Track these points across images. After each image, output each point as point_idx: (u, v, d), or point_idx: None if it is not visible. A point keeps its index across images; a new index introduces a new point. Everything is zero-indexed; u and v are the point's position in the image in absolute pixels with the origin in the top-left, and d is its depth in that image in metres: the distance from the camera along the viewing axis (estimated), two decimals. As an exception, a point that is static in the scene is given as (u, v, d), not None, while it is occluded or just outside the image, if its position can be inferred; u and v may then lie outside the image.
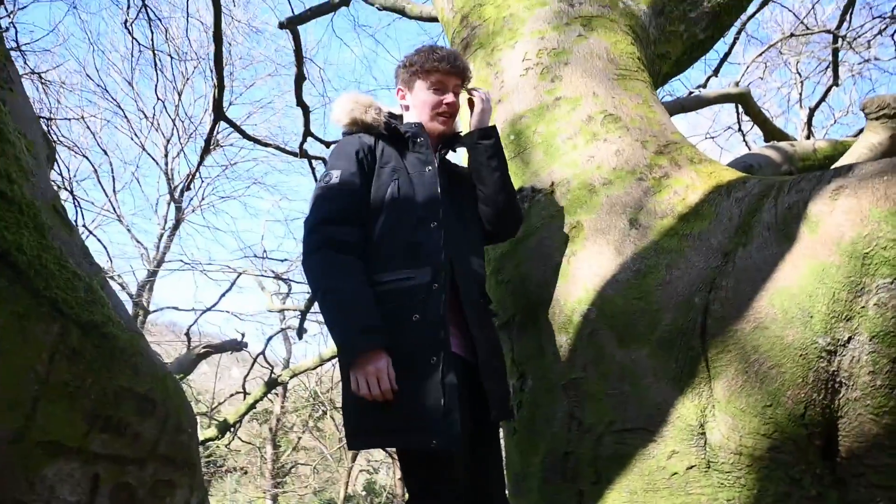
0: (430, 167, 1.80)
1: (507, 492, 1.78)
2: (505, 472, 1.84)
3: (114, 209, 14.48)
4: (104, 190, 14.44)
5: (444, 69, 1.86)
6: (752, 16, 7.32)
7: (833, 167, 1.65)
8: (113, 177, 15.56)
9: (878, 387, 1.36)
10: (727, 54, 7.32)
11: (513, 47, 2.49)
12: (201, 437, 8.48)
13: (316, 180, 7.69)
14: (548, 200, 2.08)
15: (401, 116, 1.94)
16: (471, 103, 1.97)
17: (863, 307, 1.35)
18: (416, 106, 1.89)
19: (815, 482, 1.42)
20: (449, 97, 1.87)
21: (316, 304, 1.84)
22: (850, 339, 1.37)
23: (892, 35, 8.44)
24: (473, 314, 1.71)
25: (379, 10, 5.54)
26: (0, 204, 0.92)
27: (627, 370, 1.68)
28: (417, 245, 1.68)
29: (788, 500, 1.41)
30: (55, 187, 1.53)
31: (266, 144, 7.48)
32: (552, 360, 1.89)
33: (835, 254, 1.38)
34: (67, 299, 0.97)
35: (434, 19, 5.18)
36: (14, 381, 0.88)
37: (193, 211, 15.92)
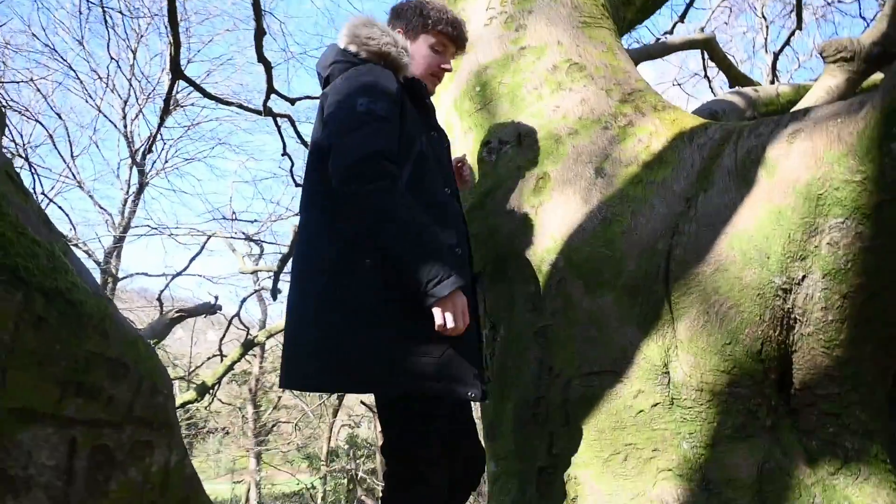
0: (434, 133, 1.79)
1: (480, 437, 1.85)
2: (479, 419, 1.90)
3: (73, 175, 14.05)
4: (61, 156, 13.97)
5: (452, 36, 1.85)
6: (718, -42, 7.24)
7: (791, 111, 1.68)
8: (70, 141, 15.02)
9: (829, 321, 1.43)
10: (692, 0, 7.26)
11: (476, -4, 2.44)
12: (180, 401, 8.51)
13: (282, 137, 7.54)
14: (515, 152, 2.09)
15: None
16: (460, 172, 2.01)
17: (816, 247, 1.40)
18: (415, 58, 1.82)
19: (771, 413, 1.50)
20: (448, 63, 1.88)
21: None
22: (804, 277, 1.43)
23: (855, -24, 8.47)
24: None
25: (338, -42, 5.35)
26: (-50, 172, 0.89)
27: (594, 316, 1.73)
28: (442, 206, 1.65)
29: (745, 431, 1.49)
30: (8, 154, 1.48)
31: (228, 103, 7.26)
32: (522, 310, 1.93)
33: (790, 196, 1.43)
34: (28, 267, 0.95)
35: (396, -32, 5.02)
36: (-20, 351, 0.87)
37: (157, 174, 15.53)
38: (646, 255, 1.68)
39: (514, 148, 2.09)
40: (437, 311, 1.47)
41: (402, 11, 1.88)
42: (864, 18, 9.04)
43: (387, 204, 1.49)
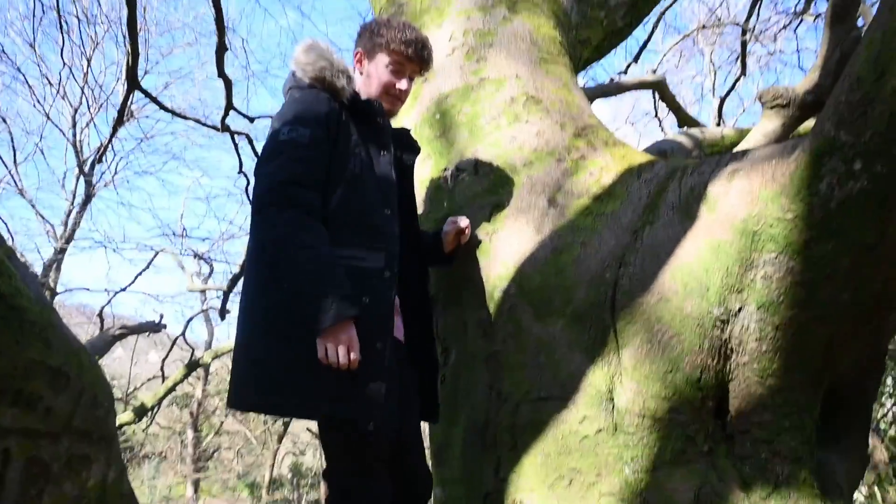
0: (385, 152, 1.78)
1: (428, 462, 1.85)
2: (427, 443, 1.91)
3: (15, 182, 13.48)
4: (3, 161, 13.39)
5: (407, 55, 1.82)
6: (671, 5, 7.63)
7: (731, 152, 1.79)
8: (13, 147, 14.41)
9: (763, 352, 1.50)
10: (646, 42, 7.62)
11: (440, 26, 2.51)
12: (117, 422, 8.15)
13: (239, 155, 7.45)
14: (471, 180, 2.14)
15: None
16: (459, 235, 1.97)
17: (752, 280, 1.48)
18: (371, 78, 1.85)
19: (708, 439, 1.56)
20: (404, 83, 1.86)
21: (253, 279, 1.67)
22: (740, 309, 1.51)
23: (795, 30, 9.04)
24: (413, 303, 1.83)
25: (305, -18, 5.40)
26: None
27: (544, 342, 1.77)
28: (374, 228, 1.65)
29: (684, 456, 1.54)
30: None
31: (185, 117, 7.16)
32: (474, 335, 1.96)
33: (728, 231, 1.51)
34: (-30, 270, 0.93)
35: (362, -6, 5.10)
36: (-87, 355, 0.84)
37: (106, 186, 15.03)
38: (594, 285, 1.74)
39: (471, 176, 2.14)
40: (318, 343, 1.49)
41: (362, 32, 1.90)
42: (802, 69, 9.63)
43: (286, 230, 1.53)
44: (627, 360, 1.64)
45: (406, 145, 1.97)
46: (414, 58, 1.84)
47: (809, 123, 3.65)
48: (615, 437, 1.61)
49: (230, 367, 1.65)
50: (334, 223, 1.61)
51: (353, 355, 1.48)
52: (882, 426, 7.20)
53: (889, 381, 6.97)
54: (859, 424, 1.84)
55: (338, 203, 1.63)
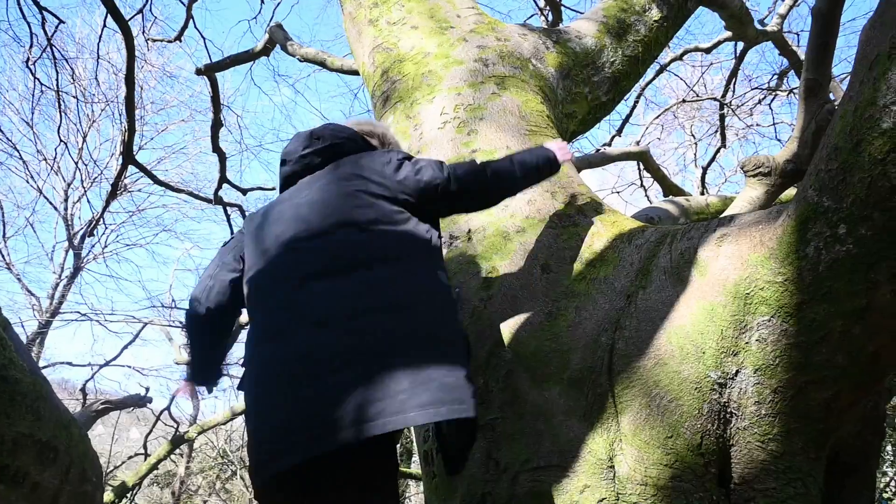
0: None
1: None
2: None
3: (2, 257, 13.43)
4: (-8, 236, 13.38)
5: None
6: (651, 81, 7.99)
7: (719, 217, 1.83)
8: (3, 221, 14.46)
9: (762, 416, 1.49)
10: (629, 116, 7.92)
11: (431, 101, 2.61)
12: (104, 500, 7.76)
13: (231, 227, 7.50)
14: (464, 247, 2.16)
15: None
16: None
17: (746, 342, 1.49)
18: None
19: (713, 508, 1.52)
20: None
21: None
22: (737, 372, 1.50)
23: (770, 104, 9.44)
24: None
25: (300, 61, 5.62)
26: None
27: (541, 409, 1.75)
28: None
29: (689, 527, 1.49)
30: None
31: (178, 190, 7.26)
32: (470, 402, 1.93)
33: (721, 294, 1.53)
34: (-35, 341, 0.92)
35: (354, 72, 5.31)
36: None
37: (95, 259, 15.02)
38: (590, 349, 1.74)
39: (464, 243, 2.17)
40: (560, 154, 2.00)
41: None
42: (779, 140, 10.00)
43: (516, 170, 1.88)
44: (627, 425, 1.61)
45: None
46: None
47: (790, 191, 3.76)
48: (618, 507, 1.56)
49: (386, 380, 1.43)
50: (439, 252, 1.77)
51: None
52: (885, 496, 7.02)
53: (889, 448, 6.85)
54: (866, 493, 1.80)
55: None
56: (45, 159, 13.88)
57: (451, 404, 1.43)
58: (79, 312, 13.45)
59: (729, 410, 1.51)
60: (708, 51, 6.90)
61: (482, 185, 1.80)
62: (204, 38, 7.41)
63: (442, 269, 1.73)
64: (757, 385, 1.48)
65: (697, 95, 9.66)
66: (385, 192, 1.71)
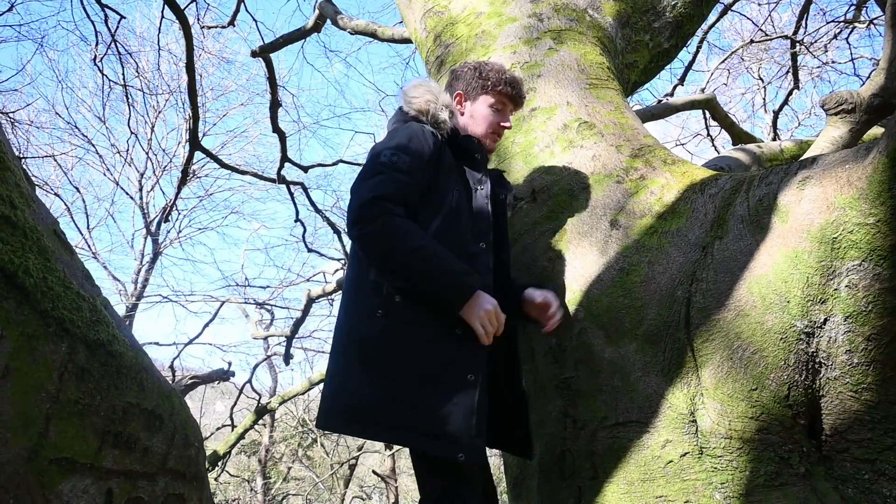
0: (482, 187, 1.83)
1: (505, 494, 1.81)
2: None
3: (89, 247, 14.30)
4: (78, 228, 14.26)
5: (511, 95, 1.94)
6: (713, 24, 7.56)
7: (799, 160, 1.73)
8: (87, 214, 15.39)
9: (855, 365, 1.42)
10: (691, 63, 7.53)
11: (486, 63, 2.56)
12: (206, 463, 8.32)
13: (295, 204, 7.70)
14: (530, 208, 2.14)
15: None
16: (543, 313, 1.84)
17: (835, 289, 1.41)
18: (475, 118, 1.93)
19: (803, 460, 1.47)
20: (508, 121, 1.97)
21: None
22: (825, 320, 1.44)
23: (847, 38, 8.77)
24: (500, 337, 1.74)
25: (350, 34, 5.63)
26: (5, 228, 0.94)
27: (617, 366, 1.73)
28: (471, 257, 1.68)
29: (778, 479, 1.46)
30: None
31: (244, 172, 7.49)
32: (543, 362, 1.93)
33: (805, 240, 1.45)
34: (74, 319, 0.99)
35: (406, 41, 5.27)
36: (27, 400, 0.90)
37: (171, 244, 15.78)
38: (665, 303, 1.70)
39: (528, 204, 2.15)
40: (475, 321, 1.58)
41: (462, 74, 1.99)
42: (858, 76, 9.29)
43: (392, 238, 1.56)
44: (708, 379, 1.58)
45: (499, 183, 1.98)
46: (516, 97, 1.97)
47: (876, 130, 3.51)
48: (701, 461, 1.54)
49: (322, 390, 1.67)
50: None
51: (500, 319, 1.61)
52: None
53: None
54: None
55: (434, 234, 1.65)
56: (118, 152, 14.59)
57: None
58: (161, 295, 14.25)
59: (818, 360, 1.45)
60: (776, -15, 6.43)
61: (374, 241, 1.58)
62: (256, 21, 7.50)
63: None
64: (848, 333, 1.41)
65: (766, 35, 9.07)
66: None
